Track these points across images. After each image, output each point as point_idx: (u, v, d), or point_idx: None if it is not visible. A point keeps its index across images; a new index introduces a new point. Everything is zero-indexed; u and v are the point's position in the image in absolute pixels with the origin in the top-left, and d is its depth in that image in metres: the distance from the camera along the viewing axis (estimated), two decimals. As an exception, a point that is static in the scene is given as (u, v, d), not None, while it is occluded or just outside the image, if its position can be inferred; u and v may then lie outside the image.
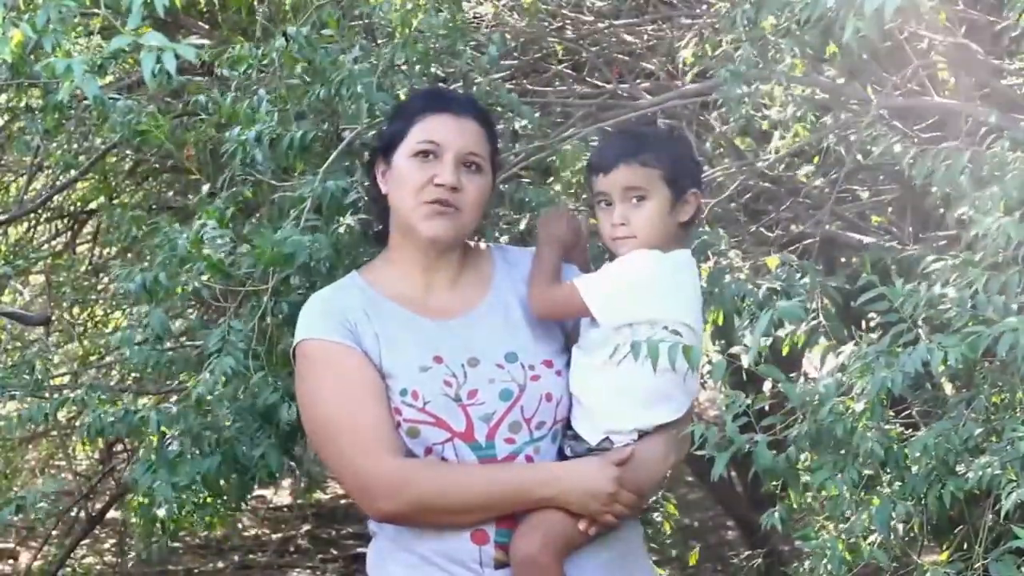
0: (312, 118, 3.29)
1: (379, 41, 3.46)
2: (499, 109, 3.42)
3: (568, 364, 2.85)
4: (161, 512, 3.17)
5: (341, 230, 3.06)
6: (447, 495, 2.71)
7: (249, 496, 3.46)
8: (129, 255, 5.65)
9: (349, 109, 3.20)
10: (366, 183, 3.04)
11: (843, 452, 2.52)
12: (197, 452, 3.16)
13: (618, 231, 2.79)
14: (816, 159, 3.92)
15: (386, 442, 2.72)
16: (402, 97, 3.20)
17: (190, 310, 4.22)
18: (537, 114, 3.53)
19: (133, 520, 3.31)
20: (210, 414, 3.18)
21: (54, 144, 4.77)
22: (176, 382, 3.82)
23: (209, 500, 3.23)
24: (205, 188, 3.40)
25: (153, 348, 3.26)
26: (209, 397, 3.07)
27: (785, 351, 2.69)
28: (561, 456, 2.81)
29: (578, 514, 2.71)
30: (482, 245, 3.00)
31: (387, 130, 2.92)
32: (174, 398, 4.69)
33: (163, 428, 3.19)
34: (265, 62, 3.29)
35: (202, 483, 3.15)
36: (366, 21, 3.48)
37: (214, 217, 3.14)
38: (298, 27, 3.25)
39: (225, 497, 3.30)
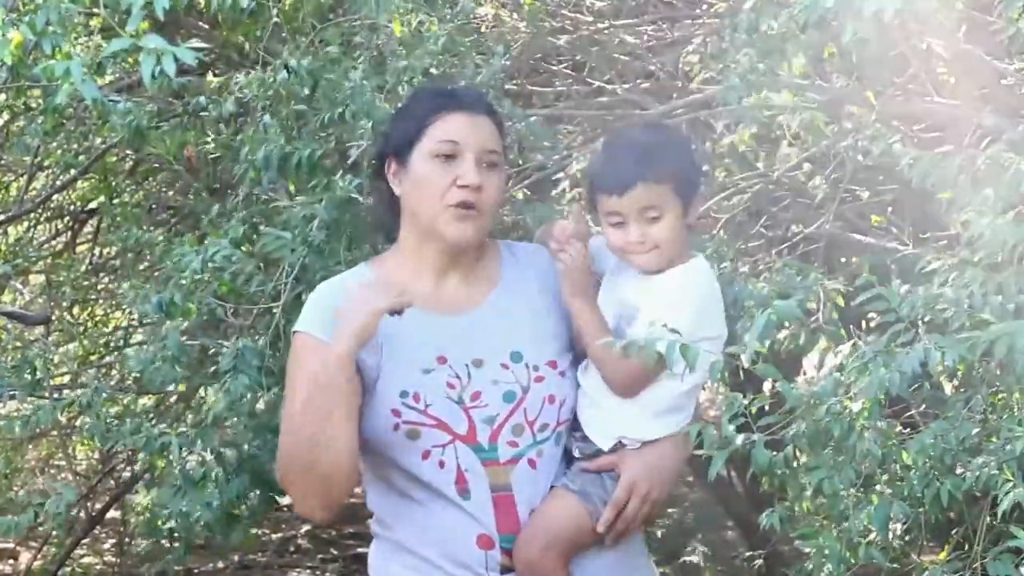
0: (316, 134, 3.30)
1: (379, 44, 3.46)
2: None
3: (573, 362, 2.84)
4: (173, 524, 3.18)
5: (339, 193, 3.05)
6: (287, 426, 2.69)
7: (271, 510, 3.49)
8: (129, 255, 5.65)
9: (356, 129, 3.19)
10: (373, 184, 3.03)
11: (841, 452, 2.53)
12: (220, 471, 3.16)
13: (640, 247, 2.76)
14: (824, 164, 3.93)
15: None
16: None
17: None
18: (538, 116, 3.54)
19: (143, 526, 3.32)
20: (226, 432, 3.19)
21: (54, 144, 4.77)
22: (184, 390, 3.83)
23: (234, 520, 3.24)
24: (215, 209, 3.41)
25: (171, 368, 3.27)
26: (226, 417, 3.09)
27: (787, 348, 2.70)
28: (567, 457, 2.81)
29: (589, 517, 2.72)
30: (490, 241, 2.96)
31: (398, 129, 2.88)
32: (174, 398, 4.71)
33: (182, 449, 3.21)
34: (270, 93, 3.29)
35: (227, 504, 3.17)
36: (368, 29, 3.47)
37: (227, 238, 3.15)
38: (299, 59, 3.25)
39: (248, 514, 3.31)
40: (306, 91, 3.25)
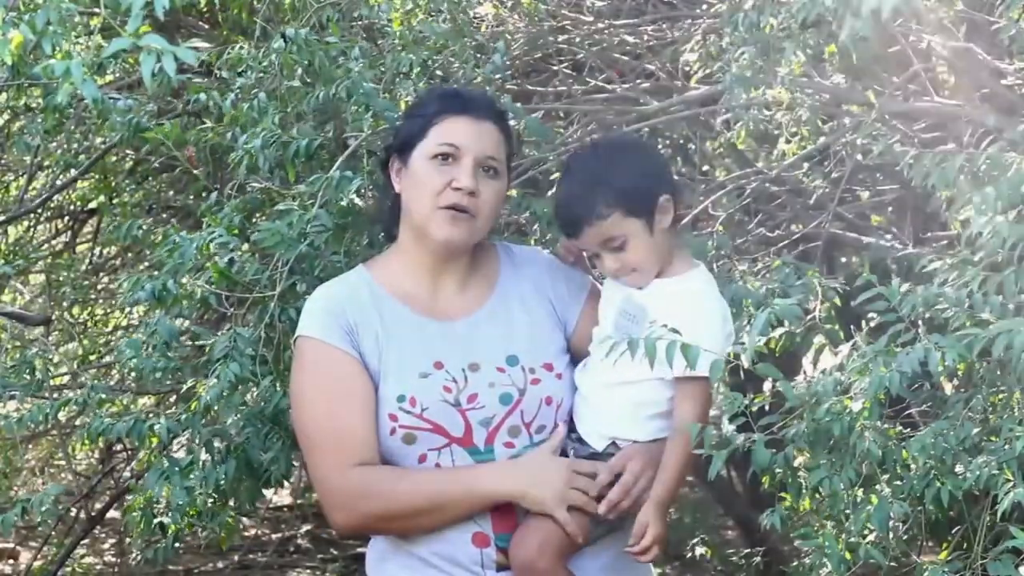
0: (314, 122, 3.29)
1: (379, 42, 3.46)
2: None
3: (569, 364, 2.84)
4: (167, 519, 3.17)
5: (344, 203, 3.05)
6: (394, 505, 2.71)
7: (261, 501, 3.47)
8: (129, 254, 5.65)
9: (351, 117, 3.19)
10: (375, 179, 3.03)
11: (841, 452, 2.53)
12: (209, 458, 3.16)
13: (619, 273, 2.77)
14: (824, 163, 3.93)
15: (355, 454, 2.72)
16: (403, 104, 3.19)
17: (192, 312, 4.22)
18: (539, 113, 3.54)
19: (135, 526, 3.30)
20: (218, 420, 3.18)
21: (54, 143, 4.77)
22: (176, 380, 3.82)
23: (220, 508, 3.23)
24: (213, 196, 3.40)
25: (162, 356, 3.27)
26: (217, 404, 3.08)
27: (783, 347, 2.70)
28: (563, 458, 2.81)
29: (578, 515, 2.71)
30: (487, 243, 2.97)
31: (403, 128, 2.88)
32: (173, 397, 4.70)
33: (172, 435, 3.20)
34: (264, 64, 3.29)
35: (215, 490, 3.16)
36: (366, 22, 3.47)
37: (222, 225, 3.15)
38: (296, 29, 3.24)
39: (235, 503, 3.30)
40: (302, 66, 3.23)
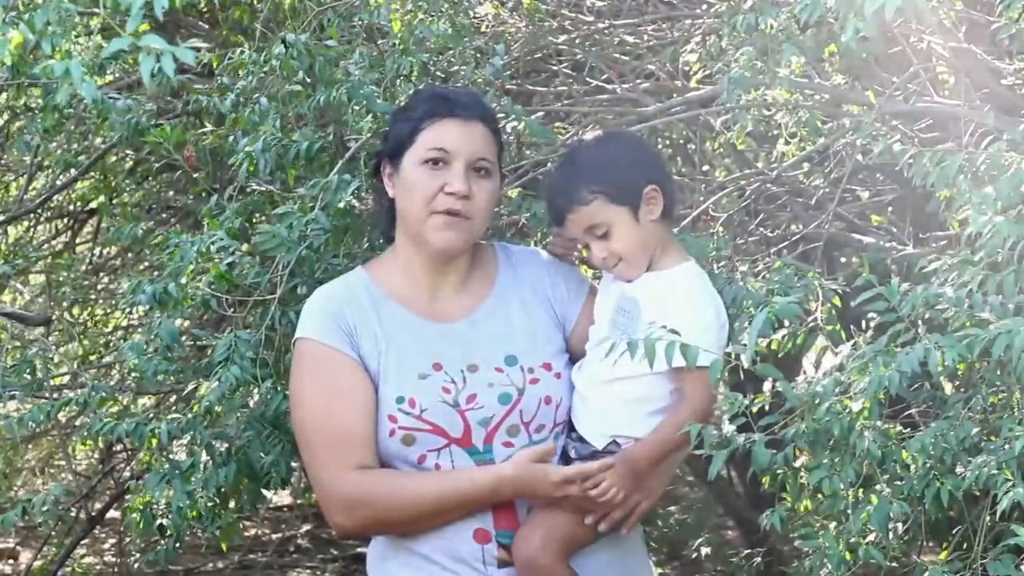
0: (314, 124, 3.29)
1: (379, 43, 3.46)
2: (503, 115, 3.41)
3: (568, 363, 2.85)
4: (167, 521, 3.17)
5: (341, 204, 3.06)
6: (397, 510, 2.73)
7: (262, 504, 3.48)
8: (129, 255, 5.65)
9: (352, 120, 3.19)
10: (373, 183, 3.03)
11: (841, 452, 2.53)
12: (210, 461, 3.16)
13: (606, 263, 2.80)
14: (824, 164, 3.93)
15: (354, 456, 2.73)
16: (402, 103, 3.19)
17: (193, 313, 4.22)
18: (539, 114, 3.53)
19: (135, 527, 3.30)
20: (218, 423, 3.19)
21: (54, 143, 4.77)
22: (176, 381, 3.82)
23: (220, 510, 3.23)
24: (213, 199, 3.40)
25: (164, 358, 3.28)
26: (218, 408, 3.09)
27: (786, 349, 2.70)
28: (564, 458, 2.81)
29: (585, 511, 2.72)
30: (485, 244, 2.97)
31: (392, 133, 2.88)
32: (173, 397, 4.70)
33: (172, 437, 3.20)
34: (266, 69, 3.28)
35: (216, 493, 3.16)
36: (366, 23, 3.47)
37: (222, 228, 3.15)
38: (297, 34, 3.24)
39: (236, 505, 3.30)
40: (302, 72, 3.23)
